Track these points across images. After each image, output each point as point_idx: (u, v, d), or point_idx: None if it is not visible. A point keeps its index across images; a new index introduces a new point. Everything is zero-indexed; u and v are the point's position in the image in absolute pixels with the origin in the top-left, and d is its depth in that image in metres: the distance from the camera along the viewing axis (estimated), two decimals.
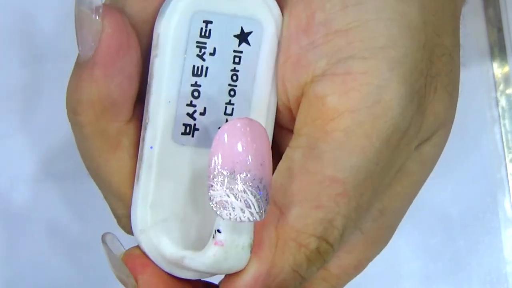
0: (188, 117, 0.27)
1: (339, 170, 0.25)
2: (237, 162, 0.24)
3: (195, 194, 0.27)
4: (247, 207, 0.24)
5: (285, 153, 0.26)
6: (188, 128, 0.27)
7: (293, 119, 0.27)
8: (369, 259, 0.29)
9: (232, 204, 0.24)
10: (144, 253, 0.27)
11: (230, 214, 0.24)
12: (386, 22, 0.25)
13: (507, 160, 0.42)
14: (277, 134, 0.28)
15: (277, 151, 0.28)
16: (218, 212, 0.24)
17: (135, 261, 0.26)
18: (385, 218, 0.28)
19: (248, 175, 0.24)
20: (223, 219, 0.24)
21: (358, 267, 0.29)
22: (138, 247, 0.27)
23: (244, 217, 0.24)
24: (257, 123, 0.24)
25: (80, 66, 0.26)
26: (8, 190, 0.40)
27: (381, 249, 0.29)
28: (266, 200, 0.24)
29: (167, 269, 0.27)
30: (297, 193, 0.25)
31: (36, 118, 0.41)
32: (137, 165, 0.27)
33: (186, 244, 0.27)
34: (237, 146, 0.24)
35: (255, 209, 0.24)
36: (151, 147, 0.26)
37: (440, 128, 0.28)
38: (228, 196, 0.24)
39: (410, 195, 0.29)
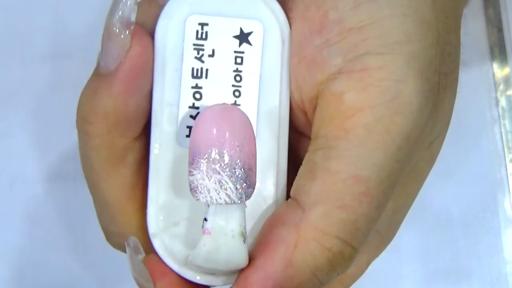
0: (192, 120, 0.27)
1: (362, 168, 0.24)
2: (211, 145, 0.24)
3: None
4: (222, 188, 0.24)
5: (305, 158, 0.26)
6: None
7: (308, 123, 0.27)
8: (379, 253, 0.29)
9: (206, 186, 0.24)
10: (159, 258, 0.26)
11: (206, 197, 0.24)
12: (400, 18, 0.25)
13: (507, 160, 0.42)
14: (293, 139, 0.28)
15: (294, 156, 0.28)
16: (195, 196, 0.24)
17: (154, 267, 0.26)
18: (396, 217, 0.28)
19: (222, 157, 0.24)
20: (200, 201, 0.24)
21: (369, 262, 0.29)
22: (154, 252, 0.27)
23: (220, 199, 0.24)
24: (235, 109, 0.25)
25: (99, 77, 0.26)
26: (8, 190, 0.40)
27: (389, 242, 0.29)
28: (246, 183, 0.24)
29: (183, 274, 0.26)
30: (320, 192, 0.25)
31: (36, 118, 0.41)
32: (149, 170, 0.27)
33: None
34: (211, 130, 0.24)
35: (231, 190, 0.24)
36: (158, 152, 0.27)
37: (443, 130, 0.28)
38: (203, 180, 0.24)
39: (417, 193, 0.29)
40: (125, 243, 0.26)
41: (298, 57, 0.27)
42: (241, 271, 0.25)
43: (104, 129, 0.26)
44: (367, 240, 0.26)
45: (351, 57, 0.25)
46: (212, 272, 0.26)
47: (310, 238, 0.24)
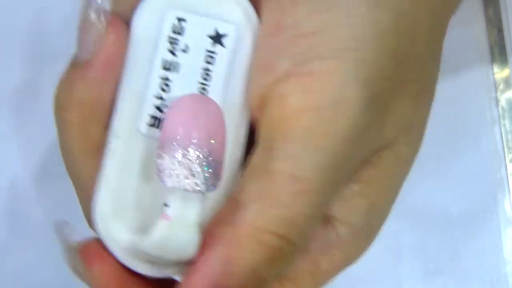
0: (156, 110, 0.27)
1: (299, 168, 0.25)
2: (185, 133, 0.25)
3: (158, 185, 0.26)
4: (191, 175, 0.24)
5: (248, 159, 0.26)
6: (155, 120, 0.27)
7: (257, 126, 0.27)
8: (359, 253, 0.29)
9: (176, 171, 0.24)
10: (101, 244, 0.26)
11: (173, 181, 0.24)
12: (354, 27, 0.25)
13: (507, 160, 0.42)
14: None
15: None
16: (163, 180, 0.24)
17: (90, 251, 0.26)
18: (373, 213, 0.28)
19: (195, 146, 0.24)
20: (167, 185, 0.24)
21: (347, 261, 0.29)
22: (96, 238, 0.27)
23: (189, 185, 0.24)
24: (210, 100, 0.25)
25: (76, 65, 0.27)
26: (7, 190, 0.41)
27: (370, 243, 0.29)
28: (215, 174, 0.25)
29: (125, 261, 0.26)
30: (257, 191, 0.25)
31: (35, 119, 0.41)
32: (104, 153, 0.27)
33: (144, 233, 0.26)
34: (186, 118, 0.25)
35: (200, 179, 0.24)
36: (117, 137, 0.27)
37: (401, 133, 0.28)
38: (173, 164, 0.24)
39: (394, 192, 0.29)
40: (53, 226, 0.26)
41: (255, 60, 0.27)
42: (186, 266, 0.26)
43: (80, 118, 0.26)
44: (342, 236, 0.27)
45: (299, 60, 0.25)
46: (155, 261, 0.26)
47: (246, 235, 0.25)
